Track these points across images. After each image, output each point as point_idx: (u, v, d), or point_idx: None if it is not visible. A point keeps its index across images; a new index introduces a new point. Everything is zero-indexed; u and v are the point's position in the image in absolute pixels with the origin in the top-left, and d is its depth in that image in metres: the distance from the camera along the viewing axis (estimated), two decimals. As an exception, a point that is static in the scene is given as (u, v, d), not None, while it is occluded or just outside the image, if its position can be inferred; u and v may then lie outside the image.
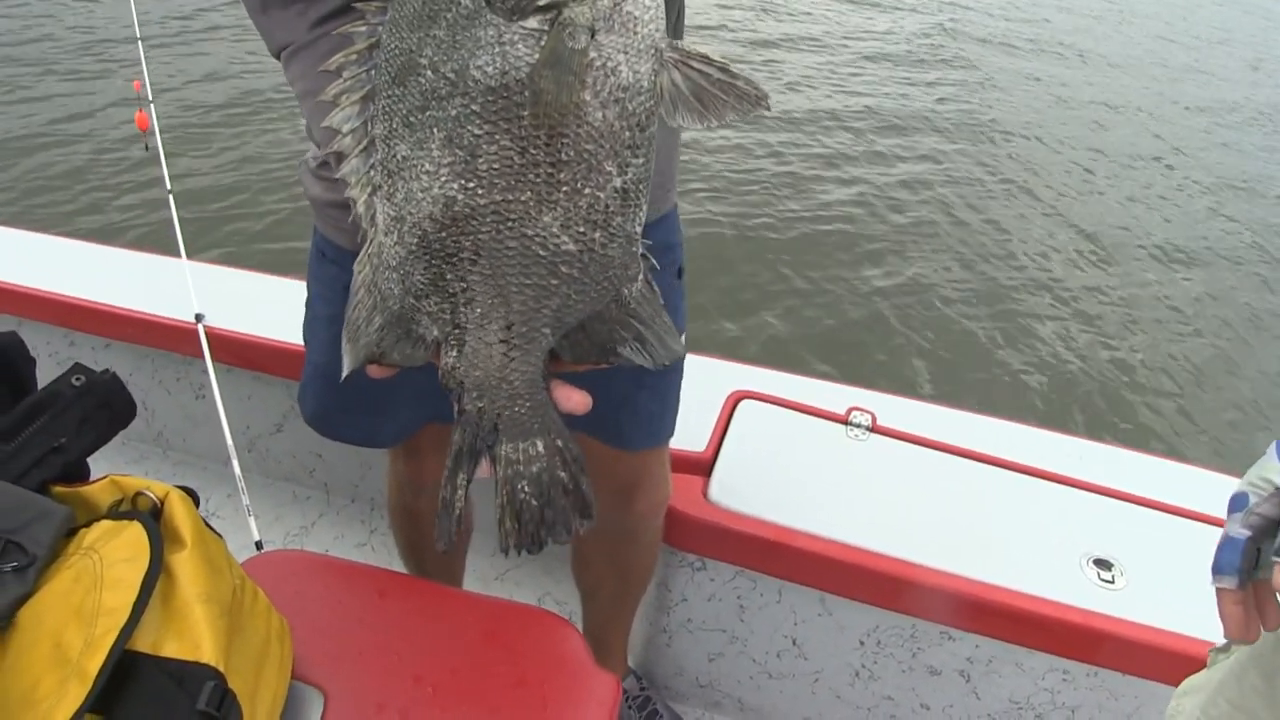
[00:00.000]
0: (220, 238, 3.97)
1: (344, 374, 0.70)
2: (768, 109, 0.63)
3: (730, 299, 4.00)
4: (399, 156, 0.64)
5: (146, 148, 2.49)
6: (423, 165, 0.64)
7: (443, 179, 0.63)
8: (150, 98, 2.31)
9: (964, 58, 8.03)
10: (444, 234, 0.64)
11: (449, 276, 0.66)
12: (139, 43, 2.54)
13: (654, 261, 0.67)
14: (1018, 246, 4.90)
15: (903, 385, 3.51)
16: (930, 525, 1.44)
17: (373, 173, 0.66)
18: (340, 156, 0.66)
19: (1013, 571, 1.37)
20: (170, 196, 2.08)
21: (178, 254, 1.95)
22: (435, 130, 0.63)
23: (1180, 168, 6.43)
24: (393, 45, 0.63)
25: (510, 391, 0.68)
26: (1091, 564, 1.40)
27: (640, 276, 0.67)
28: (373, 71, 0.64)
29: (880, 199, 5.13)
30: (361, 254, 0.68)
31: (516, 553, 0.70)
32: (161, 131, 2.27)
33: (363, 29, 0.64)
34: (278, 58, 0.92)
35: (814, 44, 7.78)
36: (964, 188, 5.49)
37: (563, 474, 0.70)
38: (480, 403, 0.68)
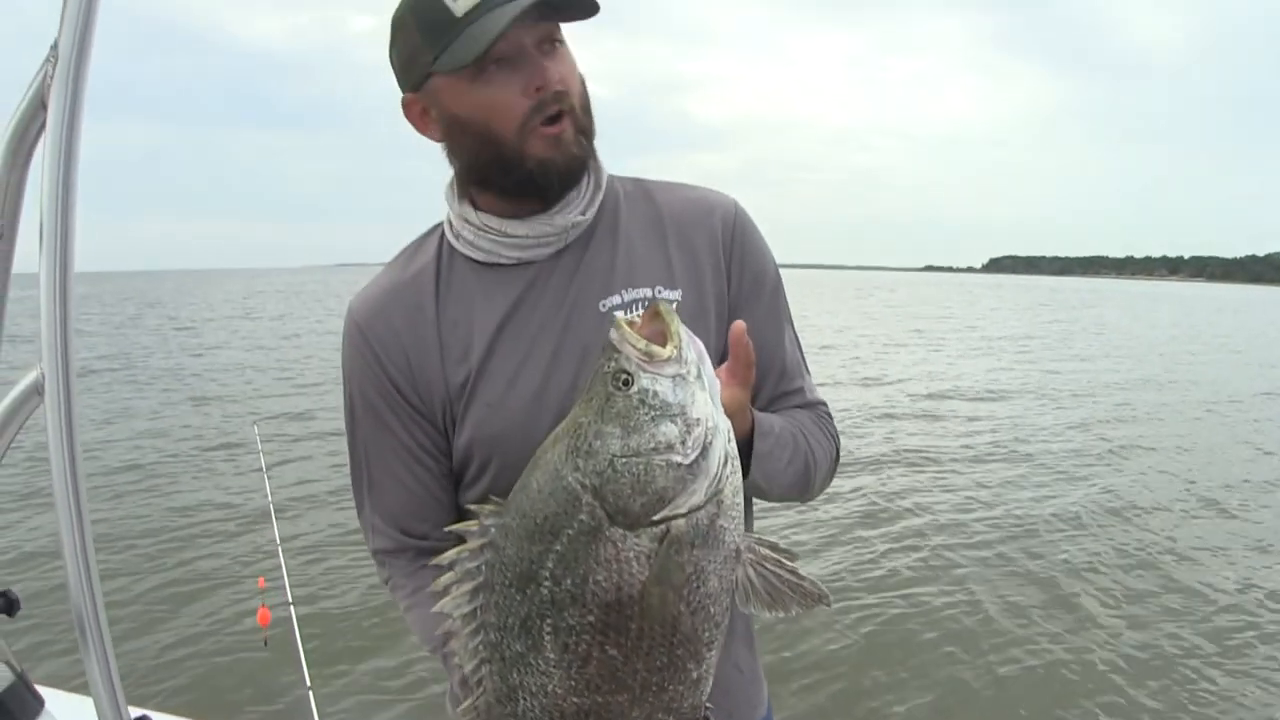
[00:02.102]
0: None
1: None
2: (829, 605, 0.73)
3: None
4: (513, 650, 0.70)
5: (265, 643, 2.73)
6: (536, 664, 0.70)
7: (555, 679, 0.70)
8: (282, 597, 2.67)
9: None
10: None
11: None
12: (278, 548, 2.97)
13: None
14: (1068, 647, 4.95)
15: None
16: None
17: (480, 649, 0.72)
18: (449, 635, 0.73)
19: None
20: (310, 692, 2.44)
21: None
22: (549, 637, 0.69)
23: None
24: (511, 552, 0.69)
25: None
26: None
27: None
28: (483, 567, 0.71)
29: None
30: (468, 703, 0.75)
31: None
32: (300, 622, 2.64)
33: (474, 529, 0.72)
34: (374, 555, 1.06)
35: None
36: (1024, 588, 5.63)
37: None
38: None
